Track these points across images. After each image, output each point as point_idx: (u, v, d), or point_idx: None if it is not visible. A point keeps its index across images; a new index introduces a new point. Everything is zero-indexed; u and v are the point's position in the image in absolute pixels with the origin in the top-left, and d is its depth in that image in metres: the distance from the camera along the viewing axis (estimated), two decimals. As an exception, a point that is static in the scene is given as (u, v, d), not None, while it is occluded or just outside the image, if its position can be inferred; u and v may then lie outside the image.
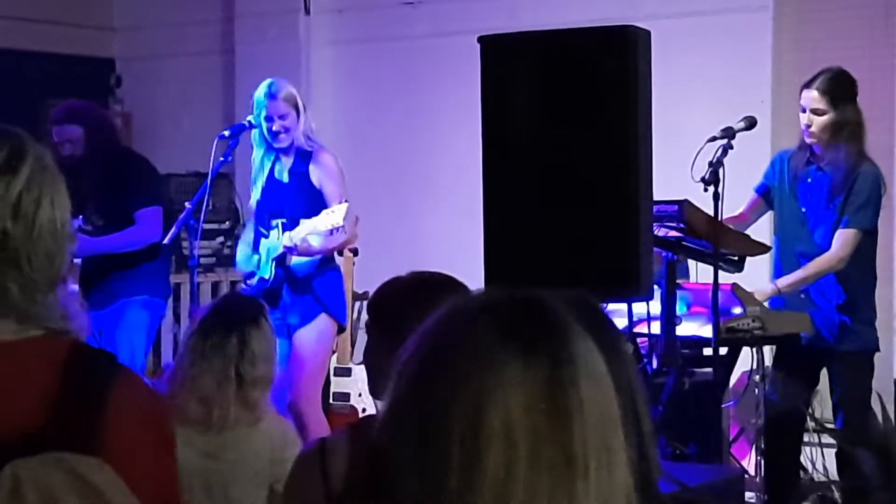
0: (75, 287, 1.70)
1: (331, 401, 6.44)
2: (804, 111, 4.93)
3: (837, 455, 5.11)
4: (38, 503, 1.51)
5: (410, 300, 2.48)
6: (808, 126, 4.93)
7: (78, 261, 5.53)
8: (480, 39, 4.05)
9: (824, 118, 4.90)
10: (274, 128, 5.40)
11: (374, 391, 2.57)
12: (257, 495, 3.54)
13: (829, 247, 4.94)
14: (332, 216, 5.14)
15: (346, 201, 5.21)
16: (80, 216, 5.46)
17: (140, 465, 1.65)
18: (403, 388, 1.23)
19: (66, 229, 1.73)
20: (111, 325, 5.58)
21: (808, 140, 4.97)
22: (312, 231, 5.19)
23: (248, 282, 5.57)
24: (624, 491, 1.21)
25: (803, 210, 5.03)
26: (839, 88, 4.92)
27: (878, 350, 5.08)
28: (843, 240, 4.92)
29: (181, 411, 3.50)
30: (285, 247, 5.28)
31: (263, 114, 5.41)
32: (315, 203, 5.35)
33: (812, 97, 4.92)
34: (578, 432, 1.18)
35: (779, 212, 5.14)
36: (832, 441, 5.19)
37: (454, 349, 1.21)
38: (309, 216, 5.28)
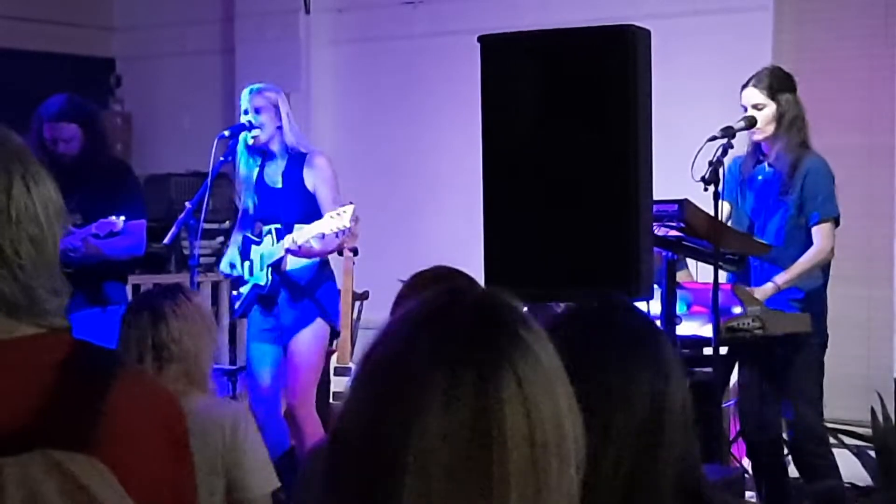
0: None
1: (331, 400, 6.44)
2: (745, 111, 4.99)
3: (793, 453, 5.12)
4: (22, 500, 1.48)
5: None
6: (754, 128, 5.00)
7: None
8: (480, 39, 4.05)
9: (766, 111, 4.98)
10: (248, 119, 5.38)
11: None
12: (213, 488, 3.44)
13: (783, 240, 5.00)
14: (339, 219, 5.12)
15: (350, 203, 5.20)
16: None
17: (145, 467, 1.61)
18: (352, 383, 1.23)
19: (50, 210, 1.64)
20: (95, 329, 5.45)
21: (755, 138, 5.04)
22: (318, 234, 5.16)
23: (240, 289, 5.57)
24: None
25: (755, 206, 5.10)
26: (775, 81, 5.03)
27: (826, 346, 5.07)
28: (823, 233, 5.00)
29: None
30: (287, 249, 5.26)
31: (243, 107, 5.44)
32: (309, 208, 5.33)
33: (750, 94, 5.02)
34: (498, 461, 1.14)
35: (735, 214, 5.18)
36: (833, 441, 5.19)
37: (390, 365, 1.20)
38: (303, 221, 5.26)
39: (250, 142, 5.40)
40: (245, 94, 5.46)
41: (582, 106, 3.85)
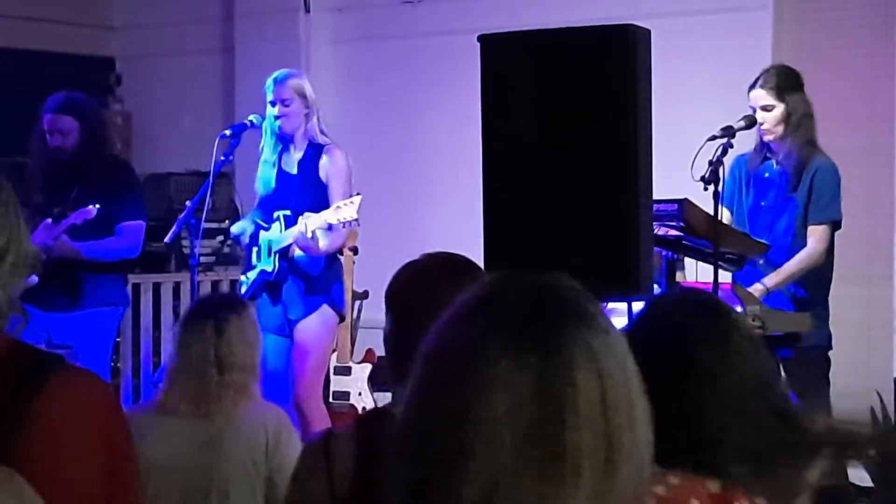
0: (34, 279, 1.64)
1: (330, 399, 6.45)
2: (754, 111, 4.98)
3: None
4: None
5: (420, 281, 2.50)
6: (762, 124, 4.98)
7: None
8: (480, 38, 4.05)
9: (774, 112, 4.97)
10: (277, 112, 5.41)
11: (393, 374, 2.56)
12: (255, 488, 3.53)
13: (791, 238, 4.99)
14: (347, 209, 5.13)
15: (358, 194, 5.20)
16: (55, 208, 5.33)
17: (72, 475, 1.60)
18: (411, 381, 1.24)
19: None
20: (74, 330, 5.41)
21: (765, 138, 5.04)
22: (325, 224, 5.17)
23: (248, 274, 5.57)
24: (629, 489, 1.19)
25: (762, 204, 5.08)
26: (783, 81, 5.01)
27: (830, 348, 5.07)
28: (818, 235, 4.98)
29: (172, 405, 3.53)
30: (296, 241, 5.25)
31: (269, 98, 5.44)
32: (320, 198, 5.36)
33: (759, 95, 5.00)
34: (570, 430, 1.15)
35: (738, 212, 5.17)
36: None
37: (452, 348, 1.21)
38: (313, 210, 5.28)
39: (277, 129, 5.42)
40: (269, 83, 5.46)
41: (582, 105, 3.85)
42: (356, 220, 5.13)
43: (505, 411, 1.15)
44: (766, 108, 4.98)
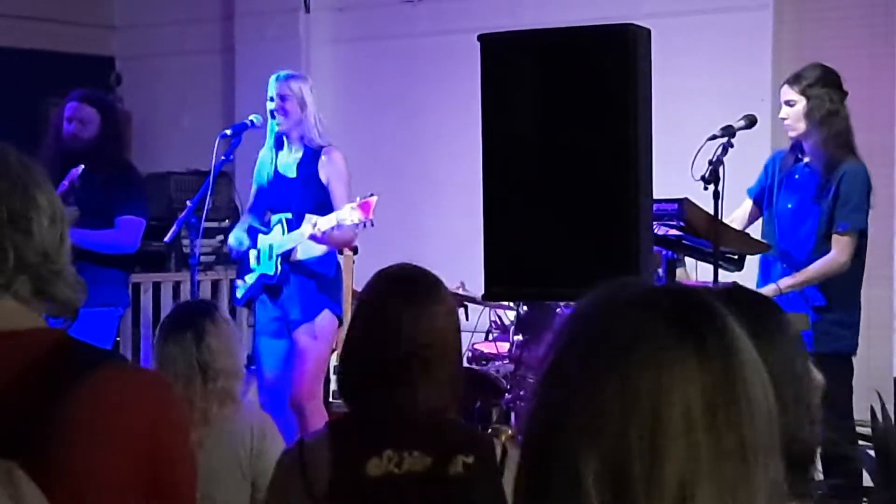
0: None
1: (331, 399, 6.45)
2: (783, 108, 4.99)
3: (823, 457, 5.10)
4: None
5: (374, 295, 2.55)
6: (785, 119, 4.98)
7: None
8: (481, 38, 4.05)
9: (796, 107, 4.95)
10: (273, 106, 5.41)
11: (345, 381, 2.58)
12: (239, 492, 3.53)
13: (813, 245, 4.97)
14: (359, 211, 5.13)
15: (372, 195, 5.20)
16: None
17: (110, 467, 1.60)
18: (563, 380, 1.21)
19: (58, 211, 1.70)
20: (73, 328, 5.37)
21: (789, 134, 5.01)
22: (338, 223, 5.17)
23: (245, 278, 5.57)
24: (780, 479, 1.22)
25: (789, 206, 5.06)
26: (809, 76, 4.99)
27: (854, 354, 5.05)
28: (842, 244, 4.93)
29: None
30: (312, 235, 5.25)
31: (270, 93, 5.44)
32: (321, 200, 5.35)
33: (784, 91, 5.02)
34: (750, 425, 1.18)
35: (767, 210, 5.15)
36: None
37: (626, 343, 1.19)
38: (314, 212, 5.27)
39: (276, 128, 5.42)
40: (272, 80, 5.47)
41: (582, 105, 3.85)
42: (371, 220, 5.13)
43: (698, 409, 1.16)
44: (788, 104, 4.96)
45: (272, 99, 5.42)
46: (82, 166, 5.28)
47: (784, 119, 4.99)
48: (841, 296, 5.00)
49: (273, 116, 5.42)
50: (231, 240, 5.65)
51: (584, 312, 1.26)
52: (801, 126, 4.95)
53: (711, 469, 1.16)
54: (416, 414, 2.44)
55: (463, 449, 2.42)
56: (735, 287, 2.05)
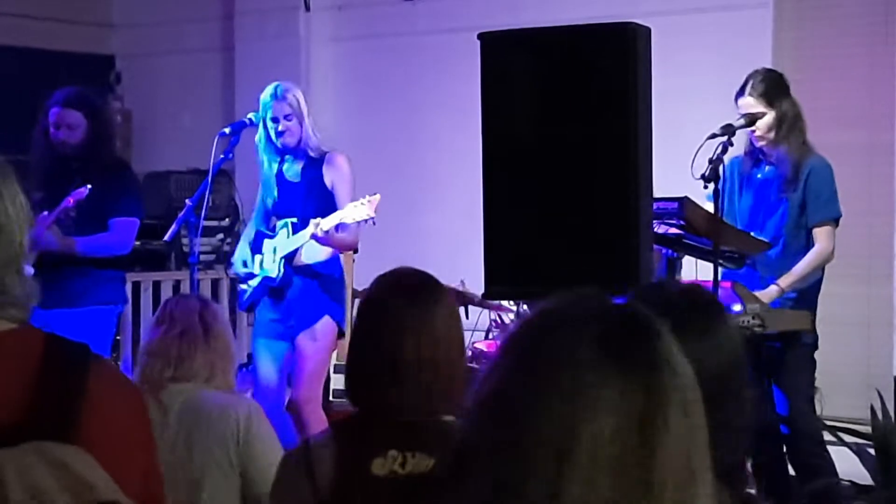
0: (30, 270, 1.67)
1: (331, 398, 6.45)
2: (742, 119, 4.98)
3: (789, 450, 5.12)
4: (22, 492, 1.52)
5: (376, 298, 2.57)
6: (753, 130, 4.99)
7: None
8: (480, 36, 4.05)
9: (766, 119, 4.97)
10: (280, 128, 5.38)
11: (349, 382, 2.58)
12: (227, 479, 3.50)
13: (780, 237, 5.00)
14: (364, 208, 5.12)
15: (375, 193, 5.19)
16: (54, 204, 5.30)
17: (123, 453, 1.66)
18: (492, 391, 1.22)
19: (12, 209, 1.71)
20: (73, 327, 5.36)
21: (757, 144, 5.04)
22: (341, 222, 5.16)
23: (249, 283, 5.55)
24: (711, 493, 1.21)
25: (750, 203, 5.09)
26: (771, 86, 5.01)
27: (816, 348, 5.06)
28: (824, 234, 5.00)
29: (150, 382, 3.53)
30: (313, 235, 5.24)
31: (269, 115, 5.39)
32: (326, 204, 5.34)
33: (748, 103, 4.99)
34: (660, 462, 1.17)
35: (730, 212, 5.16)
36: (832, 439, 5.19)
37: (554, 361, 1.20)
38: (320, 216, 5.26)
39: (279, 144, 5.39)
40: (268, 100, 5.39)
41: (582, 103, 3.84)
42: (373, 218, 5.12)
43: (607, 440, 1.16)
44: (756, 115, 4.99)
45: (275, 120, 5.37)
46: (89, 187, 5.21)
47: (753, 131, 5.00)
48: (809, 287, 5.03)
49: (279, 135, 5.38)
50: (236, 265, 5.61)
51: (519, 333, 1.26)
52: (771, 136, 5.00)
53: (608, 500, 1.15)
54: (420, 414, 2.45)
55: None
56: (694, 288, 2.17)
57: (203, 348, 3.57)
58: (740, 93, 5.04)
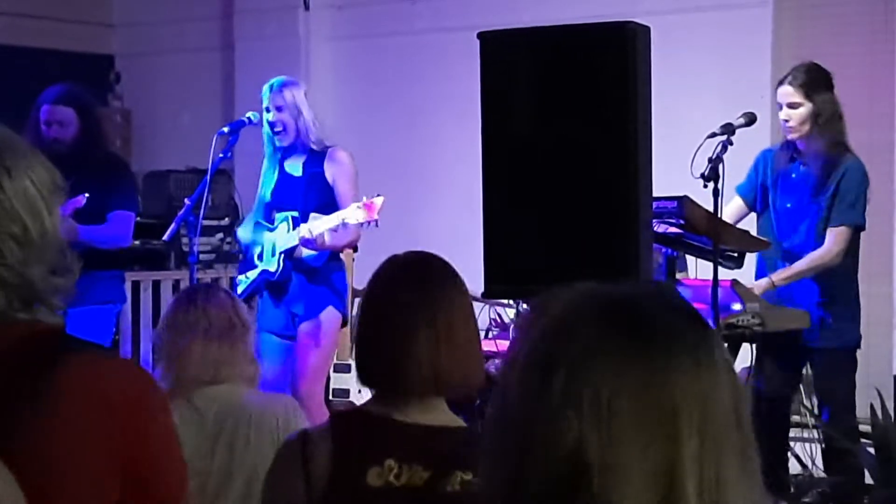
0: None
1: (330, 397, 6.45)
2: (781, 108, 4.97)
3: (824, 451, 5.12)
4: None
5: (388, 281, 2.53)
6: (787, 121, 4.96)
7: None
8: (480, 35, 4.05)
9: (801, 110, 4.94)
10: (271, 118, 5.40)
11: (360, 374, 2.55)
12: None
13: (813, 241, 4.97)
14: (362, 212, 5.10)
15: (379, 195, 5.18)
16: None
17: (86, 457, 1.57)
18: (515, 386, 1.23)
19: (31, 200, 1.64)
20: (72, 327, 5.31)
21: (789, 136, 5.00)
22: (337, 224, 5.15)
23: (247, 274, 5.56)
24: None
25: (788, 206, 5.05)
26: (812, 79, 4.97)
27: (858, 347, 5.07)
28: (836, 237, 4.95)
29: (184, 385, 3.41)
30: (302, 238, 5.24)
31: (265, 104, 5.43)
32: (327, 198, 5.35)
33: (786, 92, 4.96)
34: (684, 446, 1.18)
35: (762, 209, 5.14)
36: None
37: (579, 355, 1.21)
38: (320, 211, 5.27)
39: (277, 143, 5.41)
40: (266, 90, 5.45)
41: (581, 102, 3.84)
42: (375, 220, 5.11)
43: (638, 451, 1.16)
44: (791, 106, 4.94)
45: (268, 109, 5.41)
46: (87, 195, 5.18)
47: (786, 121, 4.97)
48: (838, 290, 5.01)
49: (273, 130, 5.41)
50: (242, 235, 5.65)
51: (539, 324, 1.26)
52: (805, 129, 4.94)
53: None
54: (434, 386, 2.41)
55: (462, 465, 2.39)
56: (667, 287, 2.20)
57: (241, 349, 3.49)
58: (781, 81, 5.01)
